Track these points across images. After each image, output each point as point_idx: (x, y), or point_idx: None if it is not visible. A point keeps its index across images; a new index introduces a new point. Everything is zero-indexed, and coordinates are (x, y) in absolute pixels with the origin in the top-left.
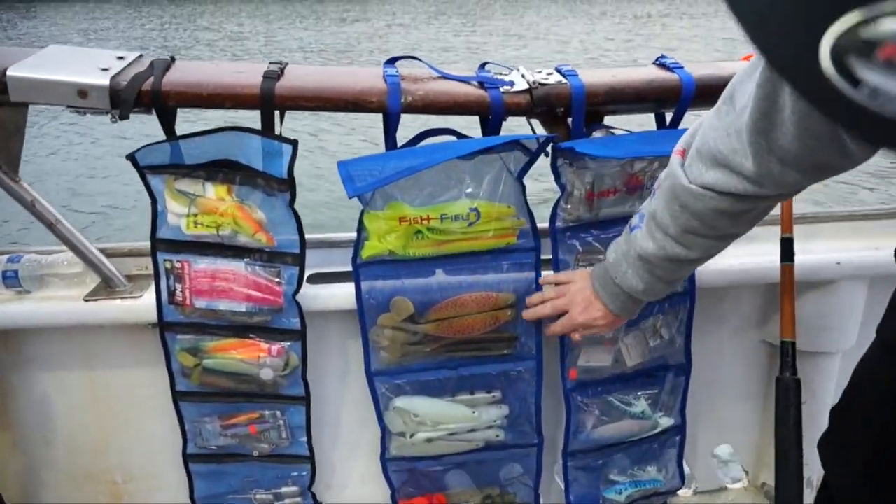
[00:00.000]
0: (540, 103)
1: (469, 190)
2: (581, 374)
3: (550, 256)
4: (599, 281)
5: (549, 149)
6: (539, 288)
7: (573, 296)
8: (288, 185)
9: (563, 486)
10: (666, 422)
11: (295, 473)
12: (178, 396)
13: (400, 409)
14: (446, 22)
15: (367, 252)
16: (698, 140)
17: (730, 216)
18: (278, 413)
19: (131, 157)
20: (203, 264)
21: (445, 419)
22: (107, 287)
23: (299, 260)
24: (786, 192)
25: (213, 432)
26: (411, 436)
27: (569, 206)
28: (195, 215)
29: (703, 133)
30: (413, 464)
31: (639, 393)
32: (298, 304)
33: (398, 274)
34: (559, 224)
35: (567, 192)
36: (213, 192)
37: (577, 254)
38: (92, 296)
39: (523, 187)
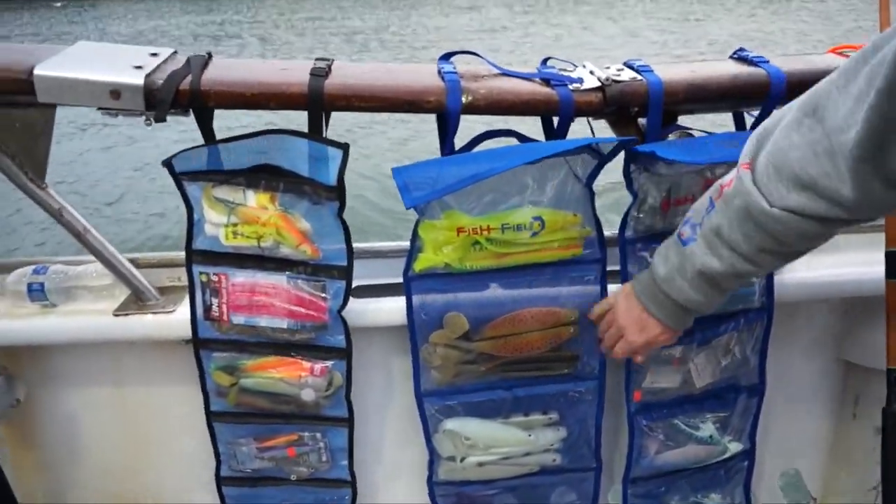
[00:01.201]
0: (612, 102)
1: (532, 197)
2: (645, 396)
3: (616, 268)
4: (648, 297)
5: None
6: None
7: (622, 319)
8: (337, 193)
9: None
10: (735, 447)
11: (335, 498)
12: (212, 417)
13: (450, 432)
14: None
15: (420, 264)
16: (772, 156)
17: (811, 238)
18: (319, 435)
19: (167, 164)
20: (241, 277)
21: (498, 442)
22: (137, 300)
23: (346, 273)
24: (882, 214)
25: (248, 455)
26: (462, 460)
27: (640, 216)
28: (235, 225)
29: (780, 149)
30: (461, 487)
31: (707, 416)
32: (344, 321)
33: (452, 288)
34: (629, 234)
35: (640, 199)
36: (254, 201)
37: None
38: (122, 310)
39: (592, 194)
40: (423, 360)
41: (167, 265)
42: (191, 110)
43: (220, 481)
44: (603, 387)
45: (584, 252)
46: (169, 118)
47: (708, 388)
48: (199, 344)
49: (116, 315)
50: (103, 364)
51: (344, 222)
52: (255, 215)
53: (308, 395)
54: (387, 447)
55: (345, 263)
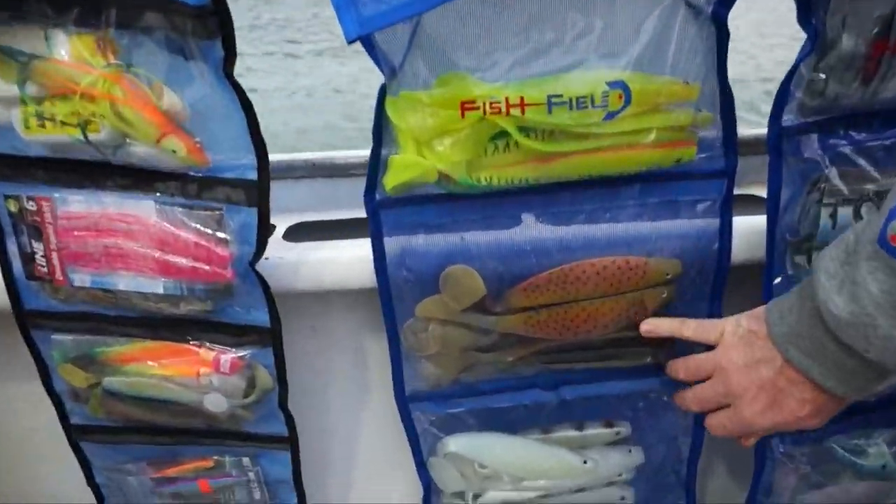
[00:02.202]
0: None
1: (606, 47)
2: None
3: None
4: (801, 346)
5: None
6: (724, 252)
7: (737, 379)
8: (216, 21)
9: None
10: None
11: None
12: (74, 433)
13: (456, 456)
14: None
15: (394, 178)
16: None
17: None
18: (246, 460)
19: None
20: (77, 204)
21: (534, 472)
22: None
23: (257, 193)
24: None
25: (140, 489)
26: (475, 498)
27: (821, 77)
28: (38, 101)
29: None
30: None
31: (880, 433)
32: (263, 280)
33: (454, 222)
34: (791, 117)
35: (825, 42)
36: (66, 49)
37: (820, 181)
38: None
39: (724, 41)
40: (407, 346)
41: None
42: None
43: None
44: None
45: (698, 156)
46: None
47: (890, 391)
48: (24, 319)
49: None
50: None
51: (240, 91)
52: (71, 78)
53: (216, 404)
54: (359, 476)
55: (252, 175)
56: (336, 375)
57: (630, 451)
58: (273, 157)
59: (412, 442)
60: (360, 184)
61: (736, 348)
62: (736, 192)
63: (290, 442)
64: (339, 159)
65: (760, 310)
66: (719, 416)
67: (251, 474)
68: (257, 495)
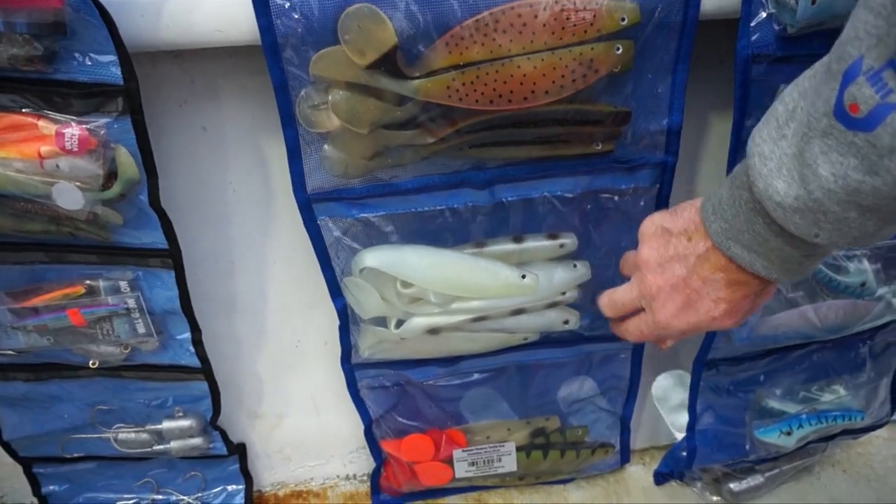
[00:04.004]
0: None
1: None
2: None
3: None
4: (743, 241)
5: None
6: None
7: (652, 277)
8: None
9: (668, 418)
10: None
11: (182, 397)
12: None
13: (374, 274)
14: None
15: None
16: None
17: None
18: (123, 284)
19: None
20: None
21: (465, 288)
22: None
23: None
24: None
25: (1, 323)
26: (399, 324)
27: None
28: None
29: None
30: (403, 371)
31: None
32: (101, 8)
33: None
34: None
35: None
36: None
37: None
38: None
39: None
40: (302, 122)
41: None
42: None
43: None
44: (670, 184)
45: None
46: None
47: None
48: None
49: None
50: None
51: None
52: None
53: (70, 199)
54: (272, 304)
55: None
56: (227, 158)
57: (575, 265)
58: None
59: (320, 255)
60: None
61: (649, 246)
62: None
63: (171, 255)
64: None
65: (680, 206)
66: (635, 320)
67: (130, 301)
68: (141, 328)
